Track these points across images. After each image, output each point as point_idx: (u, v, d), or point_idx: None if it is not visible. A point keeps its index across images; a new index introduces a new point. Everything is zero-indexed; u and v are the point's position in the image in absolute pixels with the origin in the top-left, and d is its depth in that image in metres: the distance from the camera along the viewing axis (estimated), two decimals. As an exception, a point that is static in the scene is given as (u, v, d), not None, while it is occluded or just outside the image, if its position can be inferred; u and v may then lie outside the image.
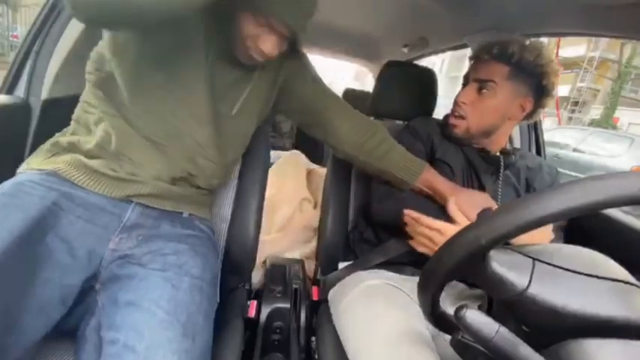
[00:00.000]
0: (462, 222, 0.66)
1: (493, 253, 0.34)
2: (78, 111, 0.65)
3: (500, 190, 0.76)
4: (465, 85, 0.79)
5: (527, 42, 0.73)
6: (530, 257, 0.35)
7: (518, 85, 0.72)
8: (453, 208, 0.67)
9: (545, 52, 0.72)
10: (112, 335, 0.47)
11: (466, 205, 0.67)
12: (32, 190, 0.53)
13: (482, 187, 0.76)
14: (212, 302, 0.60)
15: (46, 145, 0.64)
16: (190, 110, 0.62)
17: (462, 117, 0.77)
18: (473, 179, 0.78)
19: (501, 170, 0.77)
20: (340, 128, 0.78)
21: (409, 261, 0.76)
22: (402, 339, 0.58)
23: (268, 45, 0.59)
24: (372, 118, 1.13)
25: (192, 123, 0.63)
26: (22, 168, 0.62)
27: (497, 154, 0.80)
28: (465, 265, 0.34)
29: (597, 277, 0.33)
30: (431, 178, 0.74)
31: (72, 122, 0.65)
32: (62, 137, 0.63)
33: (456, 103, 0.78)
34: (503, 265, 0.34)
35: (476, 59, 0.77)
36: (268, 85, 0.74)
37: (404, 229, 0.72)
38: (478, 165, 0.78)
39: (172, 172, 0.64)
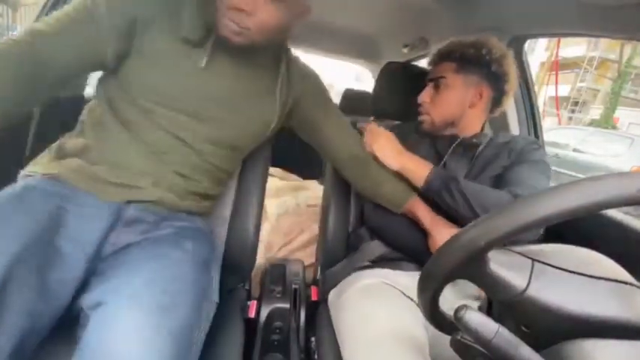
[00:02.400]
0: None
1: (492, 254, 0.34)
2: (85, 113, 0.66)
3: (471, 170, 0.81)
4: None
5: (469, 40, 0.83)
6: (529, 258, 0.35)
7: (468, 75, 0.81)
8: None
9: (487, 43, 0.81)
10: (94, 301, 0.48)
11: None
12: (39, 194, 0.54)
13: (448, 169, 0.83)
14: (209, 300, 0.60)
15: (53, 147, 0.65)
16: (189, 120, 0.63)
17: (426, 114, 0.87)
18: (439, 165, 0.84)
19: (476, 152, 0.82)
20: (337, 157, 0.84)
21: (405, 256, 0.79)
22: (395, 339, 0.59)
23: None
24: (371, 118, 1.13)
25: (191, 132, 0.64)
26: (29, 170, 0.63)
27: (465, 138, 0.84)
28: (464, 266, 0.34)
29: (596, 277, 0.33)
30: (414, 209, 0.77)
31: (78, 123, 0.67)
32: (69, 140, 0.65)
33: (419, 104, 0.88)
34: (502, 266, 0.34)
35: (430, 64, 0.90)
36: (275, 96, 0.72)
37: (395, 235, 0.80)
38: (444, 151, 0.85)
39: (173, 179, 0.64)
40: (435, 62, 0.87)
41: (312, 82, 0.78)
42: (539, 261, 0.34)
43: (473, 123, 0.85)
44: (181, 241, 0.60)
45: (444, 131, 0.87)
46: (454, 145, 0.84)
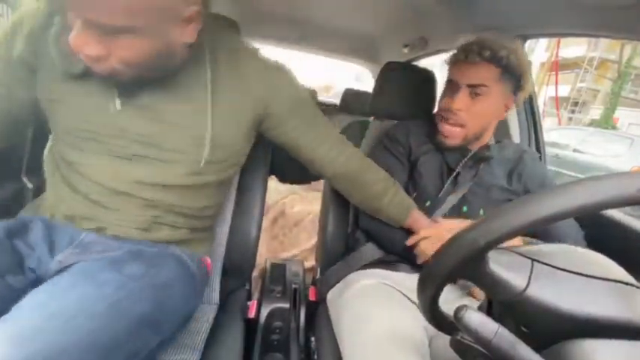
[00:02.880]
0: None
1: (492, 254, 0.34)
2: (46, 165, 0.64)
3: (479, 182, 0.78)
4: (451, 89, 0.77)
5: (512, 44, 0.73)
6: (528, 258, 0.35)
7: (506, 86, 0.73)
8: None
9: (522, 52, 0.74)
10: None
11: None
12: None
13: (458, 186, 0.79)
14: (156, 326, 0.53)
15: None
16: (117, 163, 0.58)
17: (460, 125, 0.76)
18: (446, 180, 0.79)
19: (481, 165, 0.79)
20: (323, 172, 0.73)
21: (403, 258, 0.78)
22: (395, 339, 0.59)
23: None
24: (372, 118, 1.13)
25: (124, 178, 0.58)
26: None
27: (476, 149, 0.80)
28: (464, 267, 0.34)
29: (596, 277, 0.33)
30: (413, 224, 0.75)
31: (46, 178, 0.64)
32: (39, 202, 0.65)
33: (449, 110, 0.75)
34: (502, 266, 0.34)
35: (463, 62, 0.74)
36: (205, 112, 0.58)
37: (386, 239, 0.79)
38: (454, 164, 0.79)
39: (142, 217, 0.60)
40: (472, 62, 0.72)
41: (277, 79, 0.63)
42: (538, 261, 0.34)
43: (489, 134, 0.81)
44: (124, 265, 0.53)
45: (469, 146, 0.79)
46: (466, 158, 0.78)
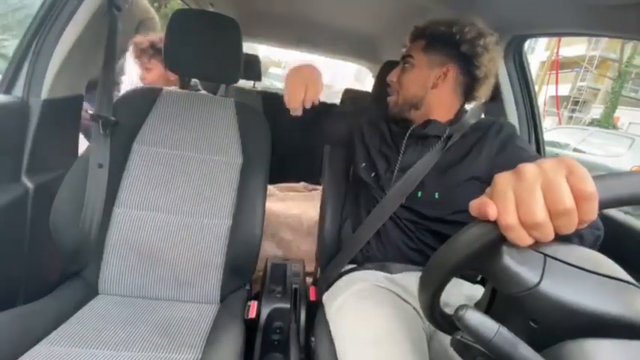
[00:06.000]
0: None
1: (506, 247, 0.34)
2: None
3: (425, 155, 0.76)
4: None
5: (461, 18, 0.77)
6: (541, 253, 0.35)
7: (434, 54, 0.78)
8: None
9: (463, 21, 0.75)
10: None
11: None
12: None
13: (398, 153, 0.81)
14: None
15: None
16: None
17: (395, 94, 0.85)
18: (393, 157, 0.82)
19: (435, 145, 0.77)
20: None
21: (396, 256, 0.79)
22: (394, 340, 0.58)
23: None
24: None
25: None
26: None
27: (417, 127, 0.82)
28: (478, 257, 0.33)
29: (606, 276, 0.33)
30: None
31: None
32: None
33: (388, 84, 0.87)
34: (516, 260, 0.34)
35: (404, 43, 0.86)
36: None
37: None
38: (399, 139, 0.83)
39: None
40: (408, 41, 0.85)
41: None
42: (550, 256, 0.34)
43: (439, 107, 0.80)
44: None
45: (408, 114, 0.83)
46: (409, 131, 0.81)
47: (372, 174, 0.84)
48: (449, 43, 0.76)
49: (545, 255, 0.34)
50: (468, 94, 0.81)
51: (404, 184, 0.76)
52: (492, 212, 0.31)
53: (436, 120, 0.80)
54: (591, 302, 0.31)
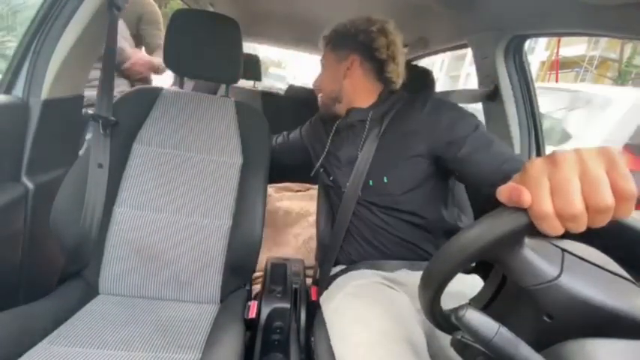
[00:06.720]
0: None
1: (527, 239, 0.33)
2: None
3: (365, 145, 0.82)
4: None
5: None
6: (559, 248, 0.34)
7: (338, 51, 0.87)
8: None
9: (357, 18, 0.85)
10: None
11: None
12: None
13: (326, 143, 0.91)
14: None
15: None
16: None
17: (319, 93, 0.93)
18: (324, 140, 0.93)
19: (363, 132, 0.83)
20: None
21: (381, 254, 0.81)
22: (392, 339, 0.58)
23: None
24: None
25: None
26: None
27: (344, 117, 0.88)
28: (499, 246, 0.32)
29: (616, 274, 0.33)
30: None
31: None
32: None
33: (315, 87, 0.96)
34: (535, 252, 0.33)
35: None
36: None
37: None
38: (329, 127, 0.92)
39: None
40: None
41: None
42: (568, 252, 0.34)
43: (357, 94, 0.87)
44: None
45: (334, 109, 0.91)
46: (335, 125, 0.89)
47: (331, 177, 0.91)
48: (347, 37, 0.84)
49: (563, 250, 0.34)
50: (380, 76, 0.85)
51: (355, 177, 0.81)
52: (527, 199, 0.29)
53: (358, 107, 0.86)
54: (606, 299, 0.31)
